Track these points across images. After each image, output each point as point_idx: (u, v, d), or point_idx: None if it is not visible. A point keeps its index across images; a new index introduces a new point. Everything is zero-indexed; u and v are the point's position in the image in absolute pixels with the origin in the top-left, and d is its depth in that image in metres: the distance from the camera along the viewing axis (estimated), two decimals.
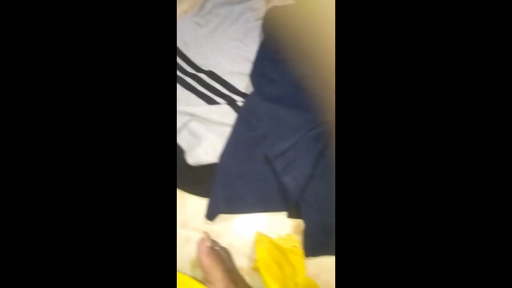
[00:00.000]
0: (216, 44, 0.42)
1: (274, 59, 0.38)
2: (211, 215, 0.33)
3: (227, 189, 0.33)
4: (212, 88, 0.40)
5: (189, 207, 0.35)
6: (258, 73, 0.38)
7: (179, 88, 0.40)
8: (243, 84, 0.40)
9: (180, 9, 0.47)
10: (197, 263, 0.26)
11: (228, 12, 0.44)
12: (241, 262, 0.32)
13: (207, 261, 0.25)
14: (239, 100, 0.38)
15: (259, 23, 0.43)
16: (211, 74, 0.40)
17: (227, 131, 0.36)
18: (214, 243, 0.28)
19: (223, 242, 0.32)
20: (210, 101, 0.39)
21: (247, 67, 0.40)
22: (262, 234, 0.32)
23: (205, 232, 0.30)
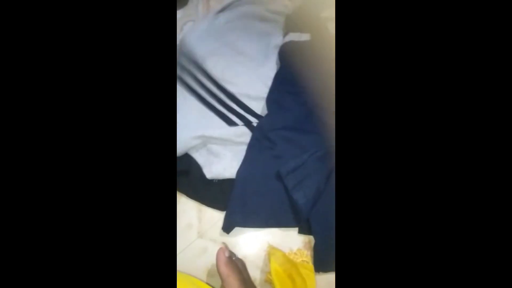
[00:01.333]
0: (234, 59, 0.46)
1: (287, 90, 0.42)
2: (227, 228, 0.35)
3: (243, 204, 0.36)
4: (231, 108, 0.44)
5: (207, 219, 0.37)
6: (272, 99, 0.42)
7: (201, 108, 0.43)
8: (260, 106, 0.43)
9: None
10: (215, 272, 0.29)
11: (245, 26, 0.48)
12: (254, 273, 0.34)
13: (225, 270, 0.27)
14: (254, 122, 0.42)
15: (277, 50, 0.47)
16: (230, 95, 0.44)
17: (243, 150, 0.39)
18: (232, 253, 0.30)
19: (238, 253, 0.34)
20: (229, 122, 0.42)
21: (264, 91, 0.44)
22: (275, 247, 0.34)
23: (224, 243, 0.32)
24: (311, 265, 0.33)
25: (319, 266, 0.33)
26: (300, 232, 0.36)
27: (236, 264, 0.29)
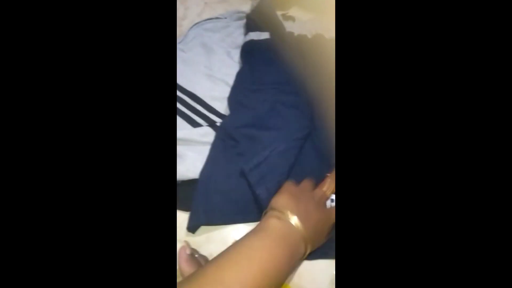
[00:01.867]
0: (199, 67, 0.47)
1: (248, 88, 0.43)
2: (192, 227, 0.36)
3: (207, 202, 0.36)
4: (195, 109, 0.44)
5: None
6: (234, 98, 0.43)
7: None
8: (223, 106, 0.44)
9: None
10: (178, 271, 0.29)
11: (208, 39, 0.49)
12: None
13: (186, 267, 0.28)
14: (218, 121, 0.42)
15: (238, 50, 0.48)
16: (193, 97, 0.45)
17: (206, 150, 0.39)
18: (194, 251, 0.31)
19: (204, 251, 0.35)
20: (193, 123, 0.43)
21: (227, 91, 0.44)
22: None
23: (186, 241, 0.33)
24: (289, 286, 0.34)
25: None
26: None
27: (199, 262, 0.30)
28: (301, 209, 0.29)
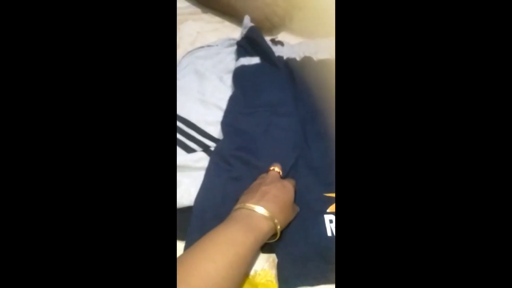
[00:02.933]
0: (192, 93, 0.48)
1: (241, 111, 0.43)
2: None
3: (202, 230, 0.35)
4: (188, 135, 0.44)
5: None
6: (227, 122, 0.43)
7: None
8: (217, 130, 0.45)
9: None
10: None
11: (201, 66, 0.51)
12: None
13: None
14: (212, 146, 0.42)
15: (230, 75, 0.49)
16: (187, 122, 0.45)
17: (201, 176, 0.39)
18: None
19: None
20: (187, 149, 0.43)
21: (220, 115, 0.45)
22: None
23: None
24: (275, 284, 0.33)
25: (283, 284, 0.33)
26: (263, 251, 0.36)
27: None
28: (255, 196, 0.32)
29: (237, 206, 0.32)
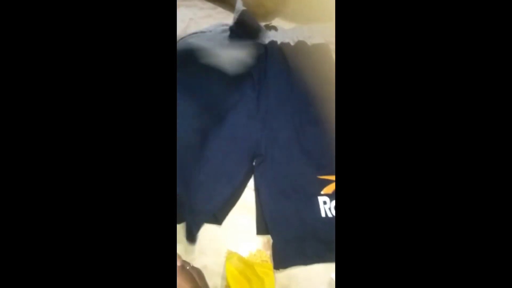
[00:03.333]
0: None
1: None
2: (191, 238, 0.35)
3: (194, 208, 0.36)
4: None
5: None
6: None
7: None
8: None
9: None
10: None
11: None
12: (215, 281, 0.34)
13: (178, 279, 0.27)
14: None
15: None
16: None
17: None
18: (185, 262, 0.30)
19: (197, 263, 0.34)
20: None
21: None
22: (232, 252, 0.34)
23: (178, 254, 0.32)
24: (270, 264, 0.34)
25: (278, 263, 0.34)
26: (258, 233, 0.37)
27: (190, 273, 0.29)
28: None
29: None
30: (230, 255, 0.33)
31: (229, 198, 0.38)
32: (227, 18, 0.58)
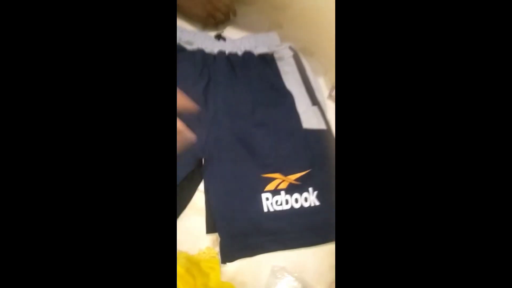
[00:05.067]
0: None
1: None
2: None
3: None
4: None
5: None
6: None
7: None
8: None
9: None
10: None
11: None
12: None
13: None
14: None
15: None
16: None
17: None
18: None
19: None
20: None
21: None
22: (181, 252, 0.36)
23: None
24: (216, 259, 0.36)
25: (224, 257, 0.37)
26: (207, 232, 0.39)
27: None
28: None
29: None
30: (178, 255, 0.36)
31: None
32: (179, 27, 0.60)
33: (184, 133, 0.22)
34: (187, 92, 0.45)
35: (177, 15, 0.61)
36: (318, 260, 0.38)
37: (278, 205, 0.40)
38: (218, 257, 0.37)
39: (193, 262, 0.35)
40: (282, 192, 0.40)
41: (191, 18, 0.58)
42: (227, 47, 0.53)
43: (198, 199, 0.41)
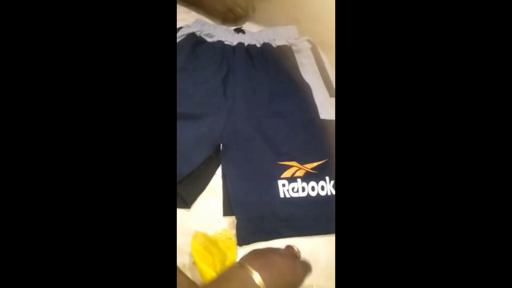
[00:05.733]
0: None
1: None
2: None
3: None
4: None
5: None
6: None
7: None
8: None
9: None
10: None
11: None
12: (183, 259, 0.37)
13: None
14: None
15: None
16: None
17: None
18: None
19: None
20: None
21: None
22: (198, 231, 0.37)
23: None
24: (233, 240, 0.37)
25: (241, 240, 0.37)
26: (224, 214, 0.40)
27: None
28: (261, 261, 0.29)
29: (239, 262, 0.30)
30: (196, 234, 0.36)
31: (191, 180, 0.41)
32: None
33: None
34: (207, 81, 0.48)
35: (198, 10, 0.63)
36: (331, 249, 0.38)
37: (295, 192, 0.40)
38: (234, 239, 0.38)
39: (211, 241, 0.36)
40: (299, 180, 0.41)
41: (211, 13, 0.60)
42: (246, 39, 0.54)
43: (216, 182, 0.42)
